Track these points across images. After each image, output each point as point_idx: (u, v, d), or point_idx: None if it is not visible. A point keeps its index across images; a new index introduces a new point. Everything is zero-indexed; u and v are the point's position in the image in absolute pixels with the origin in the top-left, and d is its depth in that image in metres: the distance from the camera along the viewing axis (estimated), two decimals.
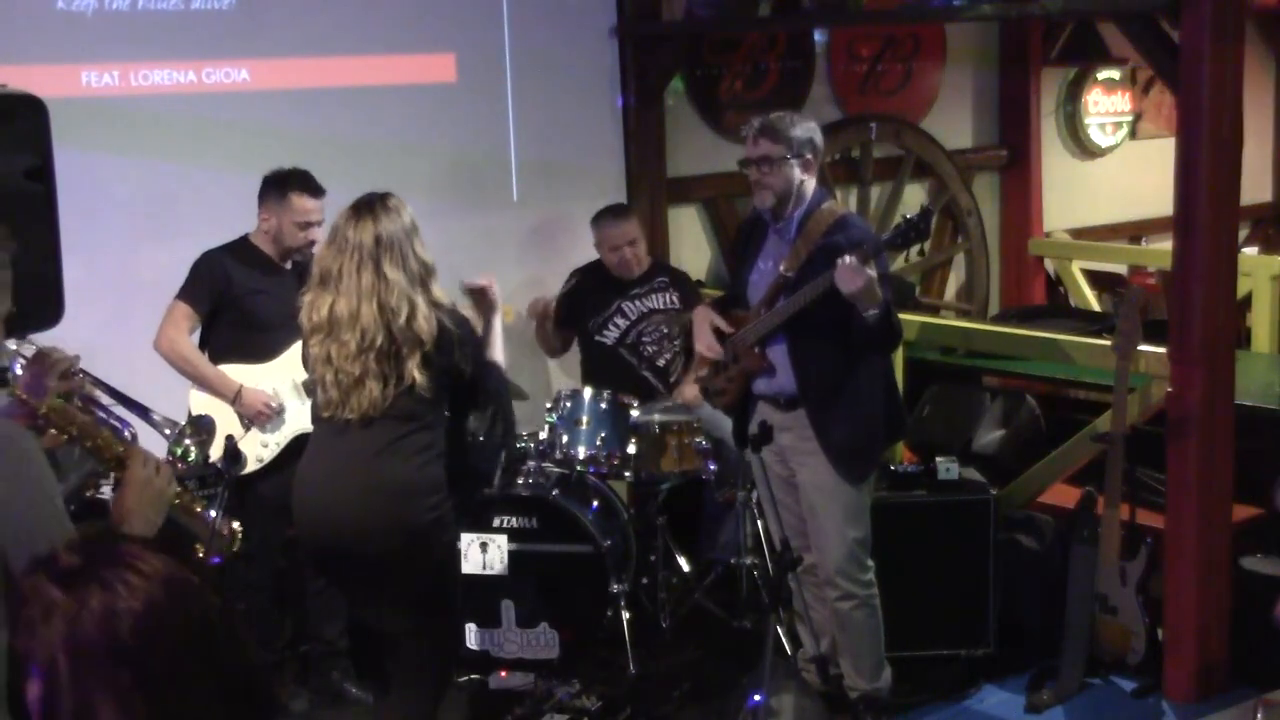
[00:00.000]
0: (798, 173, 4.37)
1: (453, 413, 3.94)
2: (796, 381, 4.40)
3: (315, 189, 4.80)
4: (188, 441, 4.14)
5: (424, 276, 3.78)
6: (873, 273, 4.11)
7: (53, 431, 2.60)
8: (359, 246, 3.74)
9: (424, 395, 3.73)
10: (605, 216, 5.79)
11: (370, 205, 3.81)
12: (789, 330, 4.37)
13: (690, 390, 5.58)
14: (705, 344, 4.61)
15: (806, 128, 4.42)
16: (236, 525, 3.11)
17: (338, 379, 3.75)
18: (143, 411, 4.04)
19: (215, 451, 4.65)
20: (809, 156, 4.38)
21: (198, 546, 2.93)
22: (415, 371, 3.70)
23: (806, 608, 4.60)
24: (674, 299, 5.80)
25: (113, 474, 2.63)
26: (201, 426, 4.19)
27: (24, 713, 1.69)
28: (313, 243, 4.84)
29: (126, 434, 3.81)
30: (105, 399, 3.79)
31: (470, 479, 4.71)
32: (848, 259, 4.07)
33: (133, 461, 2.59)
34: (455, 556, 4.11)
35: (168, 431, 4.09)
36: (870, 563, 4.53)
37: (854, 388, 4.38)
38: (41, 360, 2.82)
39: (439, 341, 3.73)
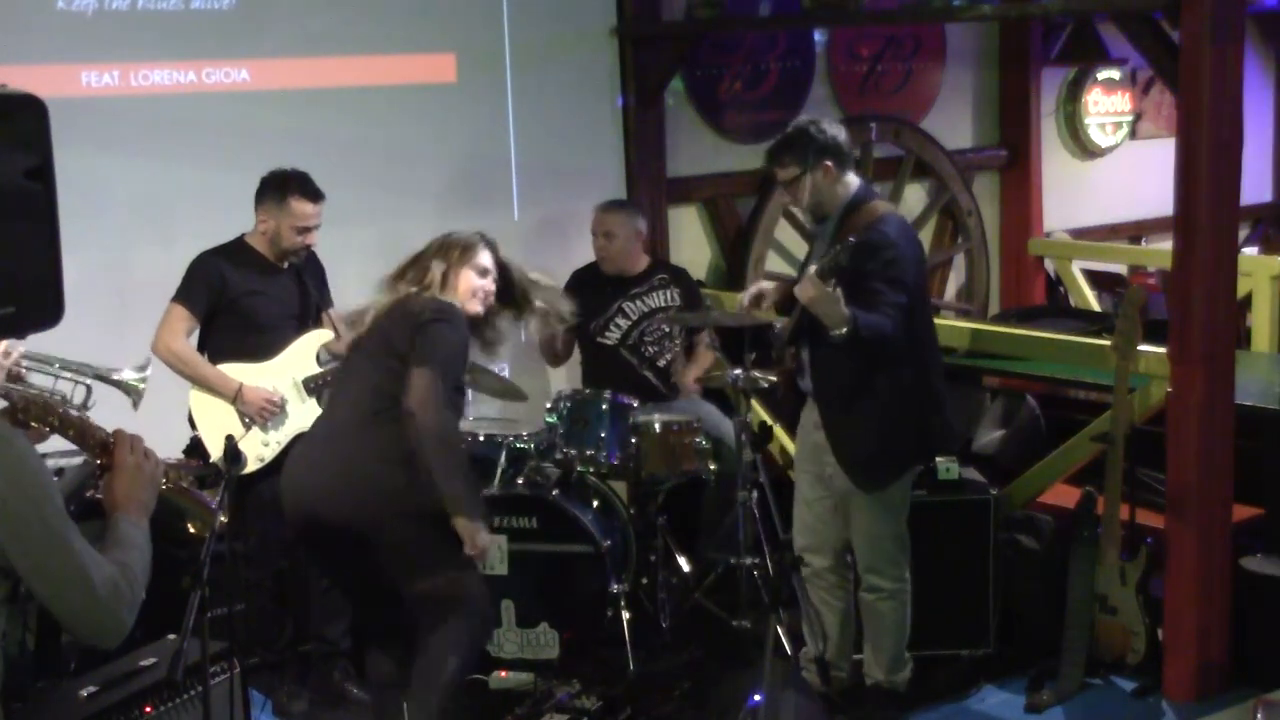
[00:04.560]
0: (821, 181, 4.31)
1: None
2: (812, 382, 4.39)
3: (314, 193, 4.79)
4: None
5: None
6: (832, 291, 4.03)
7: (34, 425, 2.60)
8: None
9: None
10: (598, 206, 5.87)
11: None
12: (810, 330, 4.32)
13: (691, 383, 5.60)
14: (752, 294, 4.54)
15: (821, 135, 4.31)
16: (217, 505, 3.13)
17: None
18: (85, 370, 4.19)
19: (215, 452, 4.69)
20: (829, 163, 4.30)
21: (188, 524, 2.94)
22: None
23: (809, 608, 4.60)
24: (674, 295, 5.80)
25: (99, 460, 2.62)
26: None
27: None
28: (309, 246, 4.84)
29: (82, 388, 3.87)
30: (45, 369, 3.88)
31: None
32: (811, 268, 4.08)
33: (119, 448, 2.58)
34: (438, 528, 3.92)
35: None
36: (903, 559, 4.53)
37: (872, 396, 4.30)
38: None
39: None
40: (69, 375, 4.23)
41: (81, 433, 2.62)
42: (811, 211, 4.40)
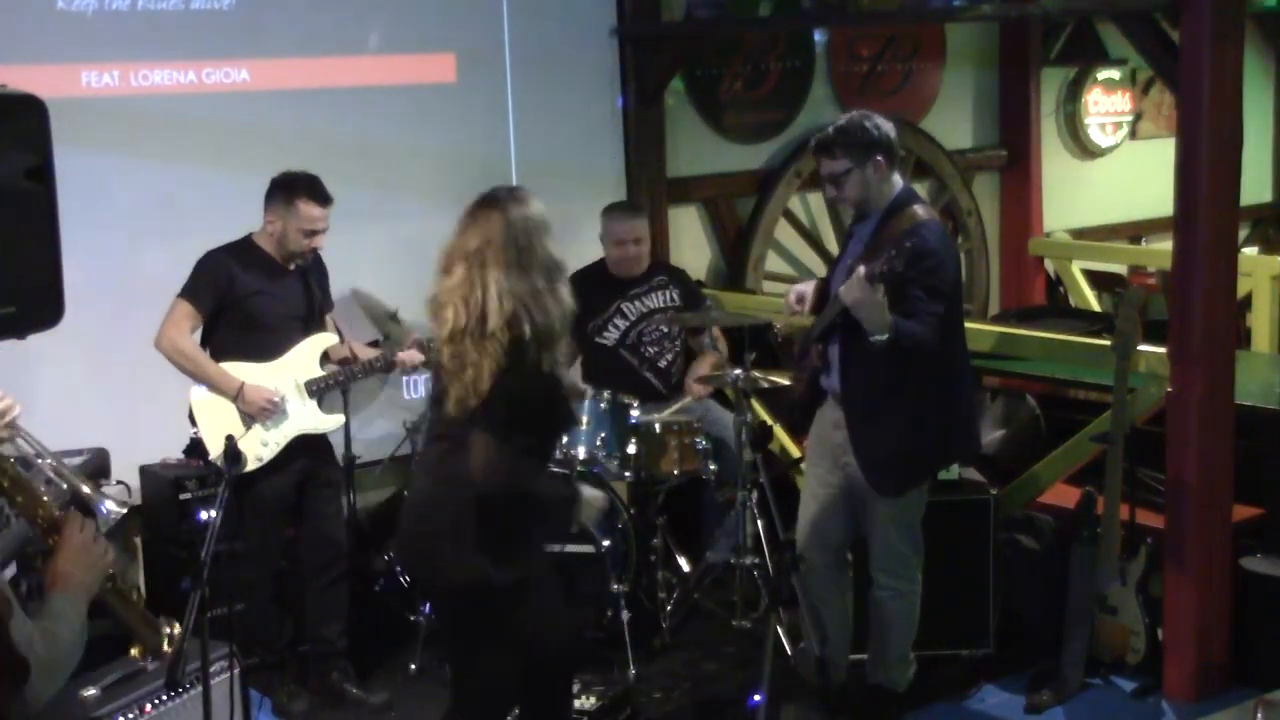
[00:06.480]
0: (872, 176, 4.24)
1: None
2: (840, 383, 4.38)
3: (323, 197, 4.78)
4: None
5: None
6: (878, 296, 4.01)
7: None
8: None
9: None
10: (617, 210, 5.78)
11: None
12: (843, 330, 4.28)
13: (697, 386, 5.58)
14: (796, 293, 4.50)
15: (877, 129, 4.23)
16: (175, 628, 2.87)
17: None
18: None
19: (215, 450, 4.69)
20: (880, 158, 4.23)
21: (131, 645, 2.76)
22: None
23: (810, 608, 4.61)
24: (674, 296, 5.79)
25: (47, 541, 2.50)
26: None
27: None
28: (316, 249, 4.84)
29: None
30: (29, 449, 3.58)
31: None
32: (861, 270, 4.02)
33: (69, 525, 2.50)
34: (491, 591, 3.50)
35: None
36: (916, 561, 4.52)
37: (899, 400, 4.26)
38: None
39: None
40: (49, 465, 3.76)
41: (32, 503, 2.51)
42: (857, 208, 4.33)
